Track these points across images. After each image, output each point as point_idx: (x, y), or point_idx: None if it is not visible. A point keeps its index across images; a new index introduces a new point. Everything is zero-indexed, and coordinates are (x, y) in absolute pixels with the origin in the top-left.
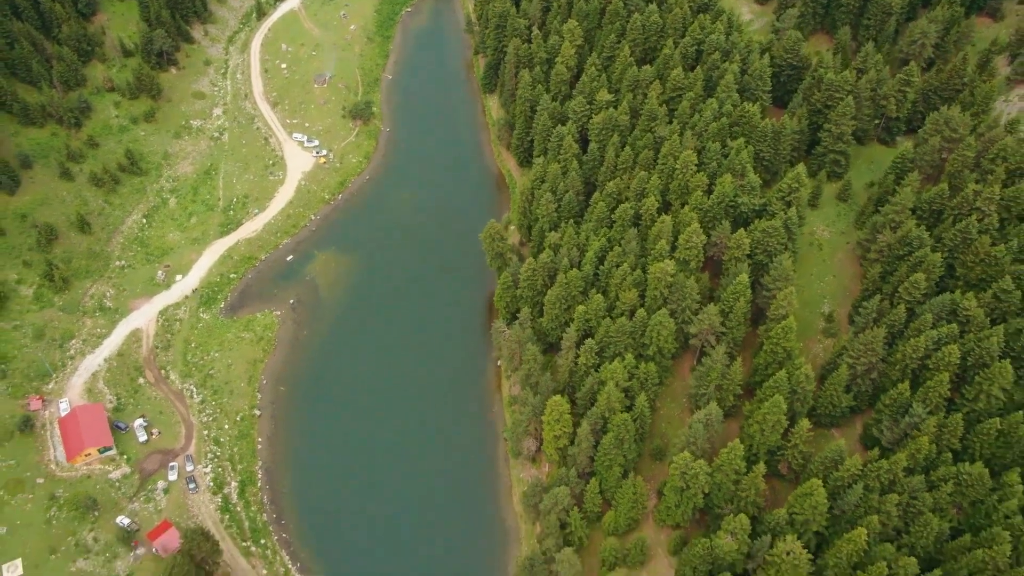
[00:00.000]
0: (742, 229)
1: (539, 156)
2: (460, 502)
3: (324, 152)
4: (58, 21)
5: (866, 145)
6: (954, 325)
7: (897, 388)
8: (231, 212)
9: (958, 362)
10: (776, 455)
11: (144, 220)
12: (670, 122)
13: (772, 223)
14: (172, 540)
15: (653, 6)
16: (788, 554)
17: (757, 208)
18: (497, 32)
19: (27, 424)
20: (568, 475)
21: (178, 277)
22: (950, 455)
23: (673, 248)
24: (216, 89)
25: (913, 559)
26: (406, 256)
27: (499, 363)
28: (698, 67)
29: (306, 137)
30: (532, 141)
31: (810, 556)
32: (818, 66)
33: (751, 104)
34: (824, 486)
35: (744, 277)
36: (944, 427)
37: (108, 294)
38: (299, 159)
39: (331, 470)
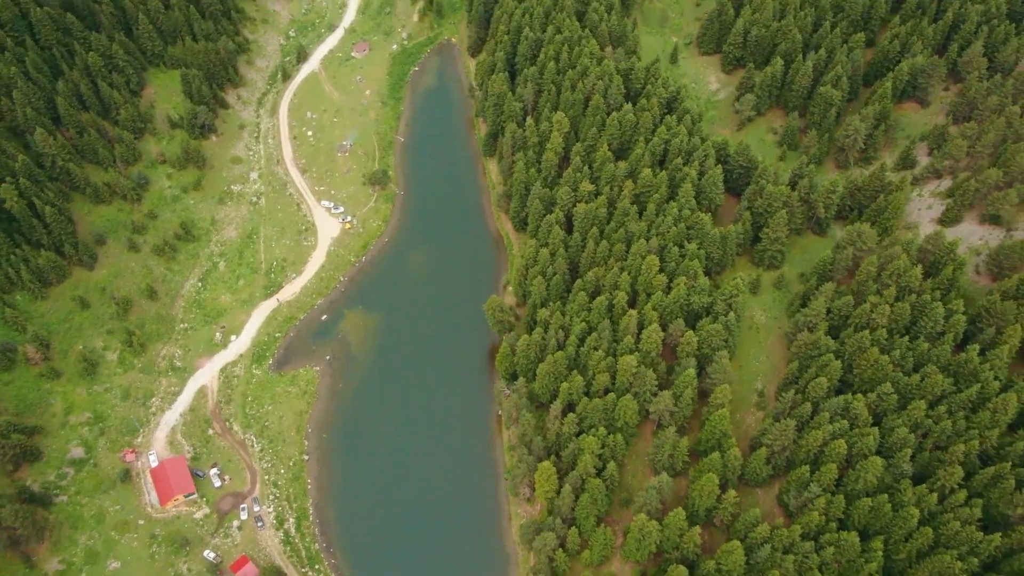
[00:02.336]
0: (691, 330)
1: (531, 236)
2: (469, 530)
3: (349, 218)
4: (116, 105)
5: (802, 235)
6: (845, 421)
7: (800, 468)
8: (272, 275)
9: (845, 452)
10: (712, 512)
11: (200, 284)
12: (640, 216)
13: (715, 326)
14: (251, 573)
15: (628, 105)
16: None
17: (706, 305)
18: (495, 109)
19: (126, 475)
20: (555, 522)
21: (233, 337)
22: (835, 524)
23: (638, 339)
24: (251, 153)
25: None
26: (421, 311)
27: (499, 413)
28: (663, 171)
29: (333, 204)
30: (527, 215)
31: None
32: (761, 175)
33: (704, 214)
34: (743, 543)
35: (691, 371)
36: (831, 503)
37: (177, 355)
38: (328, 226)
39: (366, 503)
